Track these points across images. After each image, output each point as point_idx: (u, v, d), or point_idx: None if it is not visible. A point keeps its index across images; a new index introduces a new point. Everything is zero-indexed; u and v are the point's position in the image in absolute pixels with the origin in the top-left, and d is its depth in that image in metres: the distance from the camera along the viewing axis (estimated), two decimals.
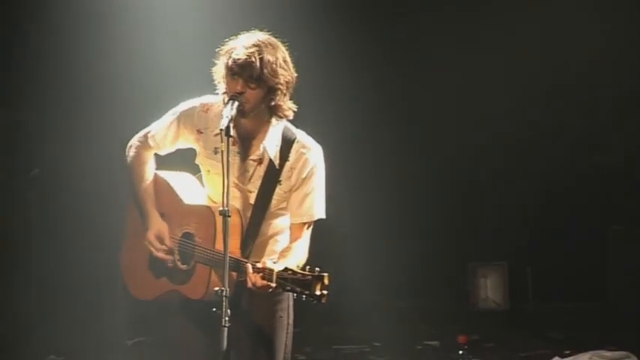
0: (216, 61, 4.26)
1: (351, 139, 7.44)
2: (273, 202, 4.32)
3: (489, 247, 7.85)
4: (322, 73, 6.64)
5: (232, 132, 4.10)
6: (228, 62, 4.19)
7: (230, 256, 4.04)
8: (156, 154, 4.50)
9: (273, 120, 4.30)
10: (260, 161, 4.30)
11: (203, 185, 4.47)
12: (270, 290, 4.08)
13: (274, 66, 4.18)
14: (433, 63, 7.60)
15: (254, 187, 4.30)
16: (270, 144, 4.29)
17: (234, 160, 4.30)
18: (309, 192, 4.30)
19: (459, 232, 7.78)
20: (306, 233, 4.33)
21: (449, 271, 7.85)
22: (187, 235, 4.33)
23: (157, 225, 4.37)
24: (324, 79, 6.83)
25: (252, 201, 4.31)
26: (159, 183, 4.46)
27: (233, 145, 4.26)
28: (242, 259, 4.16)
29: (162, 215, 4.40)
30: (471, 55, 7.55)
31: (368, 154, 7.56)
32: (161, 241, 4.35)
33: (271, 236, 4.38)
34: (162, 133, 4.41)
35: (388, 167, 7.58)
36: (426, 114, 7.64)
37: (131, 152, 4.47)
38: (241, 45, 4.20)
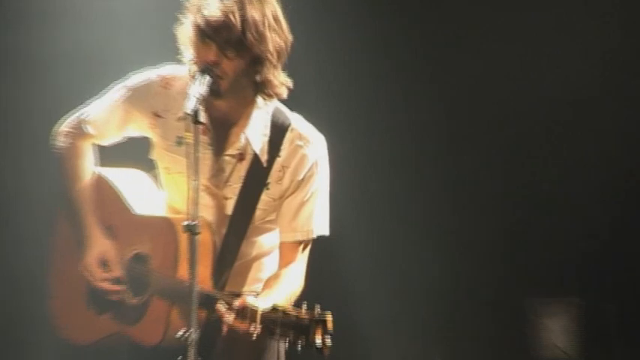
0: (182, 18, 3.56)
1: (373, 136, 6.73)
2: (258, 212, 3.67)
3: (556, 279, 6.99)
4: (328, 52, 6.23)
5: (203, 117, 3.39)
6: (197, 20, 3.50)
7: (198, 289, 3.32)
8: (95, 146, 3.82)
9: (259, 101, 3.63)
10: (240, 157, 3.64)
11: (160, 188, 3.80)
12: (254, 336, 3.40)
13: (261, 27, 3.50)
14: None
15: (232, 192, 3.66)
16: (254, 133, 3.62)
17: (205, 154, 3.60)
18: (307, 200, 3.67)
19: (515, 259, 6.98)
20: (302, 256, 3.70)
21: (503, 309, 7.01)
22: (139, 258, 3.68)
23: (99, 244, 3.72)
24: (329, 58, 6.32)
25: (228, 211, 3.66)
26: (101, 185, 3.81)
27: (203, 134, 3.54)
28: (213, 292, 3.52)
29: (106, 229, 3.75)
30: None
31: (392, 153, 6.86)
32: (105, 266, 3.69)
33: (255, 259, 3.73)
34: (104, 117, 3.75)
35: (419, 173, 6.88)
36: (480, 114, 6.88)
37: (61, 142, 3.80)
38: None
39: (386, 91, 6.64)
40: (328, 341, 3.37)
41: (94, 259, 3.71)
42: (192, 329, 3.32)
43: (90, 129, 3.77)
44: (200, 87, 3.42)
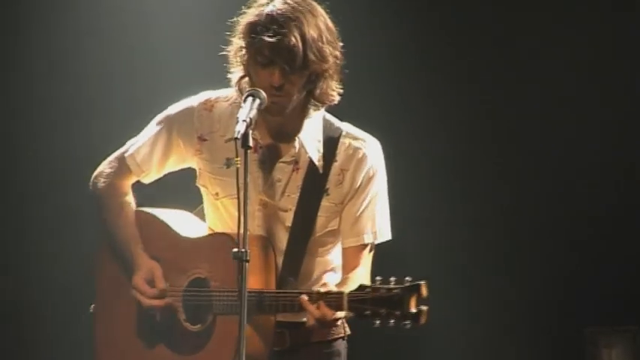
0: (234, 39, 3.51)
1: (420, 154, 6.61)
2: (320, 220, 3.54)
3: (615, 306, 6.73)
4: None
5: (252, 141, 3.30)
6: (254, 44, 3.43)
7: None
8: (135, 185, 3.70)
9: (311, 109, 3.57)
10: (296, 166, 3.54)
11: (208, 220, 3.66)
12: (338, 322, 3.45)
13: (319, 43, 3.45)
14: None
15: (290, 202, 3.54)
16: (307, 138, 3.54)
17: (256, 172, 3.53)
18: (370, 201, 3.57)
19: (573, 287, 6.75)
20: (366, 261, 3.58)
21: (558, 338, 6.81)
22: (197, 283, 3.51)
23: (146, 265, 3.56)
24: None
25: (288, 223, 3.54)
26: (145, 220, 3.66)
27: (254, 152, 3.49)
28: (292, 291, 3.41)
29: (155, 260, 3.59)
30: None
31: (443, 170, 6.73)
32: (151, 284, 3.54)
33: (318, 279, 3.58)
34: (146, 151, 3.64)
35: (466, 191, 6.74)
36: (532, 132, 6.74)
37: (101, 183, 3.68)
38: (270, 16, 3.42)
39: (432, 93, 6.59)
40: (424, 308, 3.27)
41: (141, 279, 3.56)
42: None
43: (131, 165, 3.67)
44: (250, 111, 3.35)
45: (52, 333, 6.24)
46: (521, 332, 6.74)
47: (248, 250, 3.23)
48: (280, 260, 3.53)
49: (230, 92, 3.63)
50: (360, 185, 3.57)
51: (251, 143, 3.29)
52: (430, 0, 6.62)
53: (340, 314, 3.38)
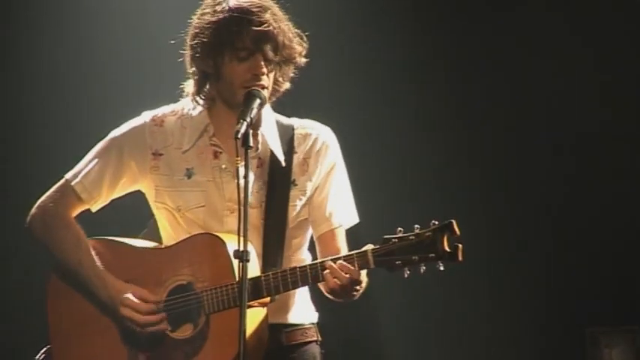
0: (196, 38, 3.49)
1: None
2: (291, 211, 3.54)
3: (615, 306, 6.73)
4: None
5: (212, 136, 3.51)
6: (231, 39, 3.42)
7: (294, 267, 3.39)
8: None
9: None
10: (260, 160, 3.55)
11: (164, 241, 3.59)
12: (363, 285, 3.38)
13: (289, 33, 3.51)
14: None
15: (259, 199, 3.52)
16: (268, 132, 3.56)
17: (219, 178, 3.52)
18: (338, 185, 3.61)
19: (572, 285, 6.73)
20: (344, 242, 3.58)
21: (559, 338, 6.79)
22: (179, 290, 3.43)
23: (125, 287, 3.47)
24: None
25: (261, 219, 3.51)
26: (101, 247, 3.55)
27: (215, 158, 3.52)
28: (312, 263, 3.42)
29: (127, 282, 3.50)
30: None
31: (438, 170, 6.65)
32: (145, 301, 3.45)
33: None
34: (95, 177, 3.55)
35: (466, 190, 6.66)
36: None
37: (48, 216, 3.53)
38: (242, 8, 3.44)
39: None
40: (460, 245, 3.23)
41: (130, 299, 3.45)
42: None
43: (80, 193, 3.56)
44: (251, 110, 3.37)
45: None
46: (522, 332, 6.73)
47: (249, 251, 3.21)
48: (260, 258, 3.49)
49: (173, 107, 3.62)
50: (326, 171, 3.59)
51: (213, 137, 3.39)
52: None
53: (364, 276, 3.35)
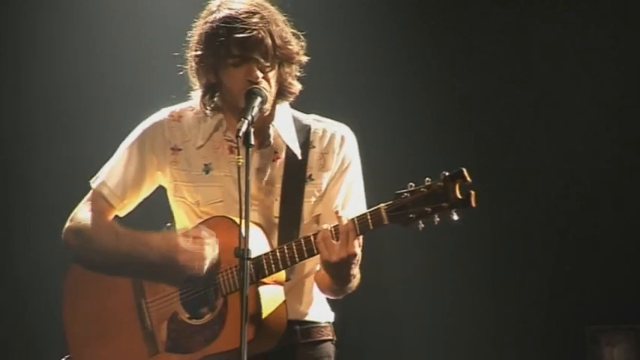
0: (189, 55, 3.58)
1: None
2: (306, 207, 3.55)
3: (616, 304, 6.65)
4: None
5: (225, 131, 3.55)
6: (221, 47, 3.47)
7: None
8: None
9: (279, 101, 3.61)
10: (275, 154, 3.57)
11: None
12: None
13: (283, 33, 3.53)
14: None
15: (274, 192, 3.55)
16: (281, 125, 3.58)
17: (236, 173, 3.42)
18: (352, 182, 3.60)
19: (573, 283, 6.67)
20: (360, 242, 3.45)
21: (560, 337, 6.73)
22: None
23: (169, 236, 3.52)
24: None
25: (276, 213, 3.53)
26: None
27: (231, 153, 3.56)
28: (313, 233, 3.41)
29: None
30: None
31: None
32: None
33: (312, 270, 3.59)
34: (119, 177, 3.61)
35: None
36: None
37: (78, 229, 3.60)
38: (231, 17, 3.48)
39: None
40: (472, 191, 3.20)
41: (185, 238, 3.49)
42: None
43: (109, 197, 3.62)
44: (252, 109, 3.40)
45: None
46: (522, 331, 6.69)
47: (250, 249, 3.23)
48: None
49: (191, 103, 3.66)
50: (341, 168, 3.59)
51: (229, 135, 3.43)
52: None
53: (357, 249, 3.33)
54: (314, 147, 3.59)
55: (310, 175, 3.56)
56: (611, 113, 6.55)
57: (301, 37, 3.61)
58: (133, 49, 6.29)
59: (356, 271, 3.44)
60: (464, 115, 6.62)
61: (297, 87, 3.60)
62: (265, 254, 3.42)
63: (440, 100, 6.59)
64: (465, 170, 3.23)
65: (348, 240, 3.33)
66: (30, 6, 6.24)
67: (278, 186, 3.55)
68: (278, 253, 3.42)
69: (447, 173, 3.26)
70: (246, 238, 3.22)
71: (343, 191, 3.59)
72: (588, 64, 6.50)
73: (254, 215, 3.51)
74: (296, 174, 3.55)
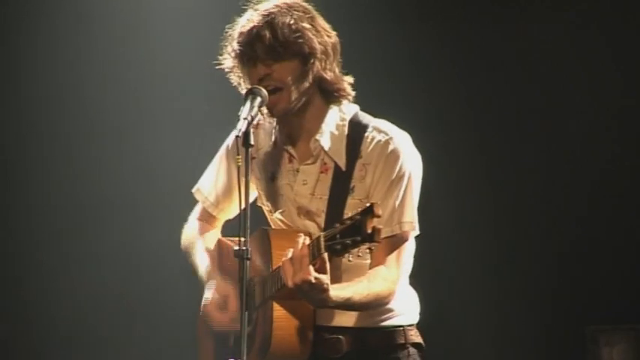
0: (225, 59, 3.56)
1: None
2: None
3: (616, 304, 6.66)
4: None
5: (271, 137, 3.55)
6: (233, 47, 3.48)
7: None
8: None
9: (330, 106, 3.53)
10: (324, 166, 3.51)
11: None
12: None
13: (294, 25, 3.42)
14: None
15: (321, 204, 3.50)
16: (329, 138, 3.49)
17: (290, 178, 3.56)
18: (391, 192, 3.45)
19: (573, 283, 6.67)
20: (392, 258, 3.43)
21: (559, 336, 6.73)
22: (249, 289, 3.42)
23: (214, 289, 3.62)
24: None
25: (322, 225, 3.48)
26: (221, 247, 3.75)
27: (289, 162, 3.58)
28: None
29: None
30: None
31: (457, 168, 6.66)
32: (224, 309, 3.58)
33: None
34: (210, 185, 3.69)
35: (467, 190, 6.69)
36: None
37: (183, 238, 3.77)
38: (245, 19, 3.49)
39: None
40: (379, 226, 3.13)
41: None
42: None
43: (207, 206, 3.70)
44: (250, 109, 3.35)
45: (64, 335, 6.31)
46: (522, 331, 6.69)
47: (249, 249, 3.21)
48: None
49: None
50: (380, 177, 3.46)
51: (252, 141, 3.34)
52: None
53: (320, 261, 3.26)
54: (361, 157, 3.48)
55: (353, 187, 3.47)
56: (611, 113, 6.51)
57: (333, 34, 3.54)
58: (135, 50, 6.29)
59: (342, 294, 3.33)
60: (464, 115, 6.62)
61: (343, 83, 3.52)
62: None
63: (440, 100, 6.58)
64: (374, 205, 3.14)
65: (301, 266, 3.23)
66: (30, 6, 6.25)
67: (325, 198, 3.49)
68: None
69: (364, 207, 3.19)
70: (246, 239, 3.20)
71: (383, 200, 3.44)
72: (588, 64, 6.47)
73: (312, 226, 3.50)
74: (341, 186, 3.46)
